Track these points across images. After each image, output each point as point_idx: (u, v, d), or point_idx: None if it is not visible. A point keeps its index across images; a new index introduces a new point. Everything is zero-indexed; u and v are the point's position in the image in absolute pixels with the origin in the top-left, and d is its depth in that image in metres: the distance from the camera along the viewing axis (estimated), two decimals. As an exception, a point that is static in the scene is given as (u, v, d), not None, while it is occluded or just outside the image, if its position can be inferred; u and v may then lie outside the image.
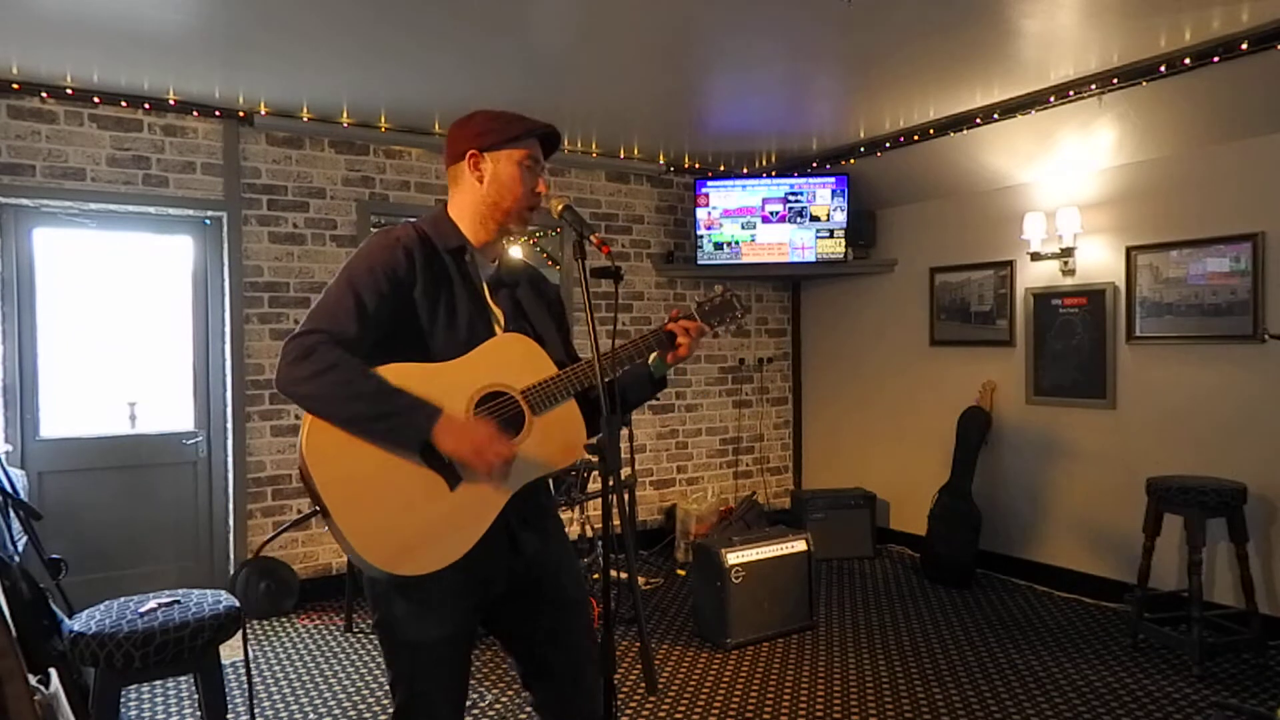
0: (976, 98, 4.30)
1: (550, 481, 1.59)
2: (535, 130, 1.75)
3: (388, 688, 1.81)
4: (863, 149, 5.20)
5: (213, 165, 4.32)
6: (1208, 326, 3.98)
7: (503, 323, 1.76)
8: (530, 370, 1.69)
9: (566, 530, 1.60)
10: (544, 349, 1.76)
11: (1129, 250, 4.28)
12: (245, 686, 3.47)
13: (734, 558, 3.84)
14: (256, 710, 3.26)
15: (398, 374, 1.58)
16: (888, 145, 5.03)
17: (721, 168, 5.87)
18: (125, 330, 4.34)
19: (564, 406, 1.71)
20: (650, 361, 1.86)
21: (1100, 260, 4.42)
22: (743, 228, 5.48)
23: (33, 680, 2.03)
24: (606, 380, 1.64)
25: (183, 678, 3.44)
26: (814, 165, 5.59)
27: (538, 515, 1.78)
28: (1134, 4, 3.16)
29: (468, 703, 1.82)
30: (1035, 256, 4.62)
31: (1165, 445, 4.16)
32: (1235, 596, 3.73)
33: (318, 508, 1.54)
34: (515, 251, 4.61)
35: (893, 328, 5.62)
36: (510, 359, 1.70)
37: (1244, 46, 3.44)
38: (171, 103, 4.16)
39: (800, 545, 4.05)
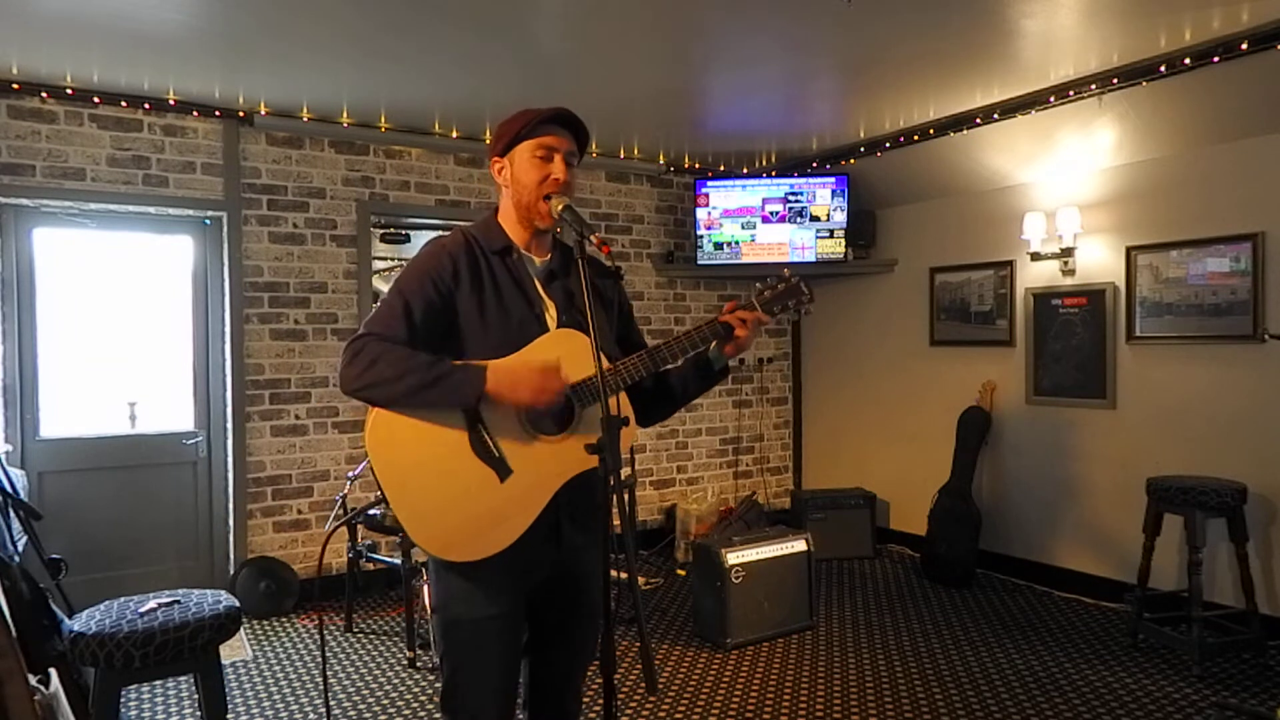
0: (976, 98, 4.30)
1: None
2: (538, 119, 1.76)
3: (438, 664, 1.88)
4: (863, 149, 5.20)
5: (213, 165, 4.32)
6: (1208, 326, 3.98)
7: (555, 315, 1.80)
8: (579, 365, 1.72)
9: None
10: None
11: (1129, 250, 4.28)
12: (245, 686, 3.47)
13: (734, 558, 3.84)
14: (256, 710, 3.26)
15: None
16: (888, 145, 5.03)
17: (721, 168, 5.87)
18: (125, 330, 4.34)
19: (611, 401, 1.72)
20: (710, 352, 1.88)
21: (1100, 260, 4.42)
22: (743, 228, 5.48)
23: (33, 680, 2.03)
24: (665, 369, 1.77)
25: (183, 678, 3.45)
26: (814, 165, 5.59)
27: (584, 512, 1.81)
28: (1134, 4, 3.16)
29: None
30: (1035, 256, 4.62)
31: (1165, 445, 4.16)
32: (1235, 596, 3.73)
33: (380, 494, 1.65)
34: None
35: (893, 328, 5.62)
36: (560, 355, 1.72)
37: (1244, 46, 3.44)
38: (171, 103, 4.16)
39: (800, 545, 4.05)
